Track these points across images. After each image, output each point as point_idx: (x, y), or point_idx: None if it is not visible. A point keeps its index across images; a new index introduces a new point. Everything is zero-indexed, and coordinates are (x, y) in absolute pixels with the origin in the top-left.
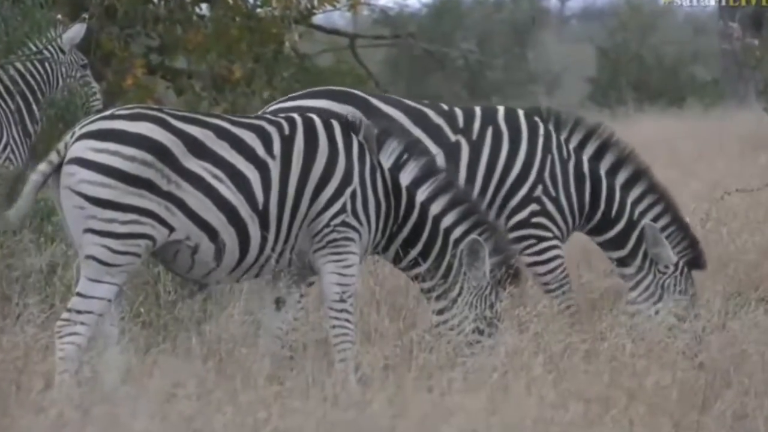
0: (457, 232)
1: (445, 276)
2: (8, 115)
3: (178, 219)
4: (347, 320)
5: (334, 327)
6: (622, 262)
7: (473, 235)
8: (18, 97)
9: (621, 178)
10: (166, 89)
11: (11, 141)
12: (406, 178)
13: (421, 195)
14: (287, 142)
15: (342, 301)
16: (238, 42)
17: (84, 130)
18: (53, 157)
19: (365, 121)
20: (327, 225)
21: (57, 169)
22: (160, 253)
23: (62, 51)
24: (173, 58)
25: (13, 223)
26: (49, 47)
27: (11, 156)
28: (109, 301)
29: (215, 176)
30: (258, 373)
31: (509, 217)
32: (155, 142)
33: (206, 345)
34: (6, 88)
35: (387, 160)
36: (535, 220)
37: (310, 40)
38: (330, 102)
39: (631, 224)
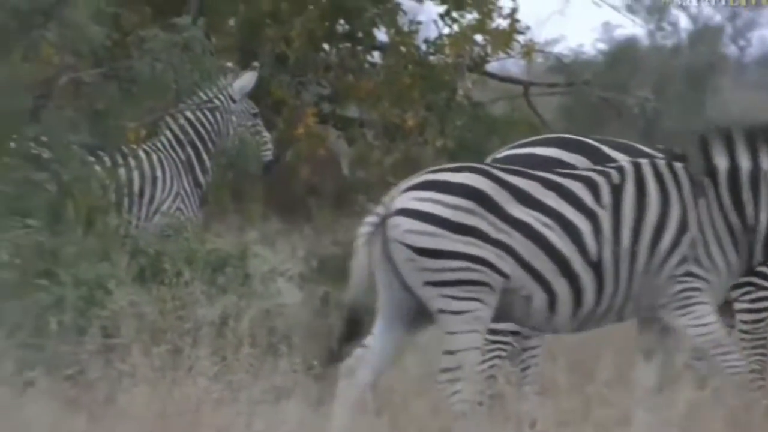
0: None
1: None
2: (178, 164)
3: (510, 266)
4: (733, 358)
5: (725, 371)
6: None
7: None
8: (188, 147)
9: None
10: (338, 138)
11: (182, 190)
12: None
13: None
14: (617, 192)
15: (718, 346)
16: (410, 90)
17: (409, 182)
18: (380, 209)
19: (685, 144)
20: (670, 277)
21: (383, 222)
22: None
23: (233, 99)
24: (345, 106)
25: (361, 283)
26: (220, 96)
27: (181, 206)
28: (478, 349)
29: (544, 224)
30: (432, 427)
31: None
32: (477, 190)
33: (379, 397)
34: (176, 137)
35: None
36: (759, 267)
37: (483, 87)
38: (560, 150)
39: None
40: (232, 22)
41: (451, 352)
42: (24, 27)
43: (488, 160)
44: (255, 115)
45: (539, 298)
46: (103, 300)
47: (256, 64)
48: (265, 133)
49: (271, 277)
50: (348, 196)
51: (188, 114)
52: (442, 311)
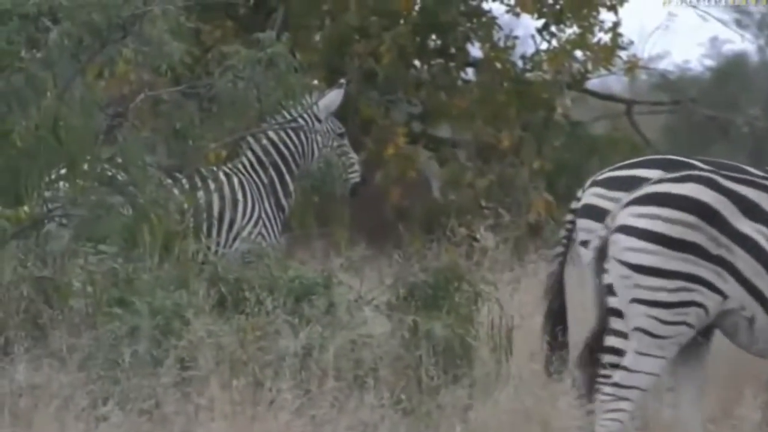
0: None
1: None
2: (260, 187)
3: (729, 285)
4: None
5: None
6: None
7: None
8: (271, 169)
9: None
10: (429, 159)
11: (263, 215)
12: None
13: None
14: None
15: None
16: (505, 108)
17: (631, 196)
18: (607, 222)
19: None
20: None
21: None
22: (718, 324)
23: (318, 119)
24: (436, 125)
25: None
26: (304, 115)
27: (263, 231)
28: (657, 376)
29: None
30: None
31: None
32: (701, 204)
33: None
34: (258, 158)
35: None
36: None
37: (583, 106)
38: (664, 173)
39: None
40: (318, 37)
41: (629, 371)
42: (99, 43)
43: (587, 182)
44: (341, 135)
45: (762, 319)
46: (180, 330)
47: (342, 81)
48: (352, 154)
49: (357, 306)
50: (439, 220)
51: (271, 134)
52: (641, 330)
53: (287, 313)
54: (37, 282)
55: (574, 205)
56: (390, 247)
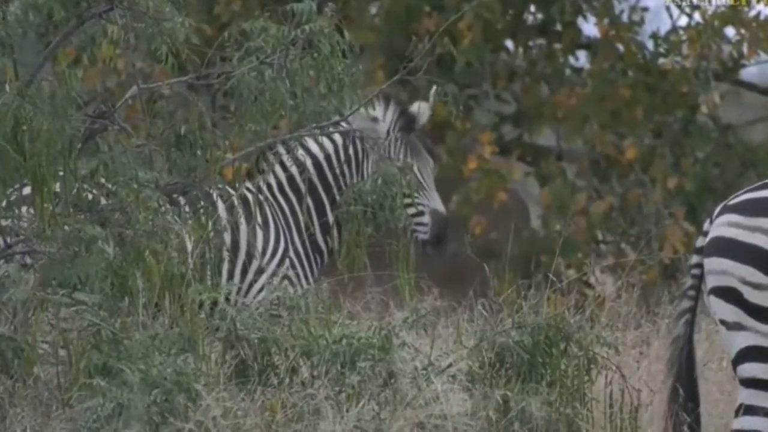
0: None
1: None
2: (288, 217)
3: None
4: None
5: None
6: None
7: None
8: (306, 190)
9: None
10: (525, 176)
11: (292, 253)
12: None
13: None
14: None
15: None
16: (630, 106)
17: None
18: (699, 242)
19: None
20: None
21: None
22: None
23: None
24: (535, 130)
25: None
26: (355, 116)
27: (291, 273)
28: None
29: None
30: None
31: None
32: None
33: None
34: (289, 177)
35: None
36: None
37: (737, 103)
38: None
39: None
40: (374, 9)
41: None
42: (76, 17)
43: (717, 209)
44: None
45: None
46: (185, 408)
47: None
48: None
49: (426, 377)
50: (539, 259)
51: (309, 142)
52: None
53: (330, 385)
54: None
55: (700, 242)
56: (471, 295)
